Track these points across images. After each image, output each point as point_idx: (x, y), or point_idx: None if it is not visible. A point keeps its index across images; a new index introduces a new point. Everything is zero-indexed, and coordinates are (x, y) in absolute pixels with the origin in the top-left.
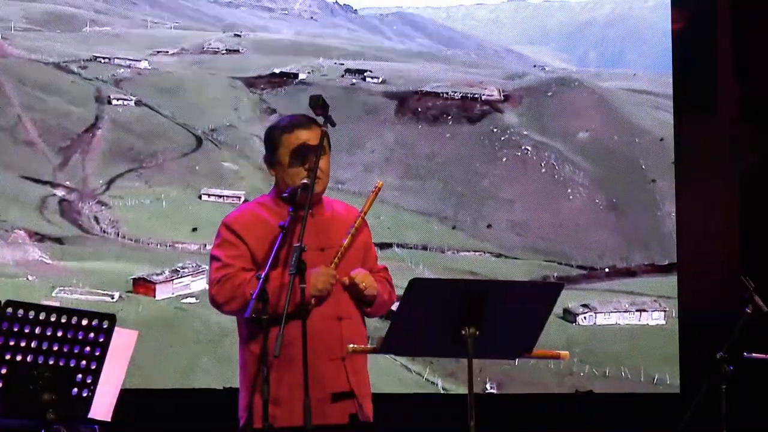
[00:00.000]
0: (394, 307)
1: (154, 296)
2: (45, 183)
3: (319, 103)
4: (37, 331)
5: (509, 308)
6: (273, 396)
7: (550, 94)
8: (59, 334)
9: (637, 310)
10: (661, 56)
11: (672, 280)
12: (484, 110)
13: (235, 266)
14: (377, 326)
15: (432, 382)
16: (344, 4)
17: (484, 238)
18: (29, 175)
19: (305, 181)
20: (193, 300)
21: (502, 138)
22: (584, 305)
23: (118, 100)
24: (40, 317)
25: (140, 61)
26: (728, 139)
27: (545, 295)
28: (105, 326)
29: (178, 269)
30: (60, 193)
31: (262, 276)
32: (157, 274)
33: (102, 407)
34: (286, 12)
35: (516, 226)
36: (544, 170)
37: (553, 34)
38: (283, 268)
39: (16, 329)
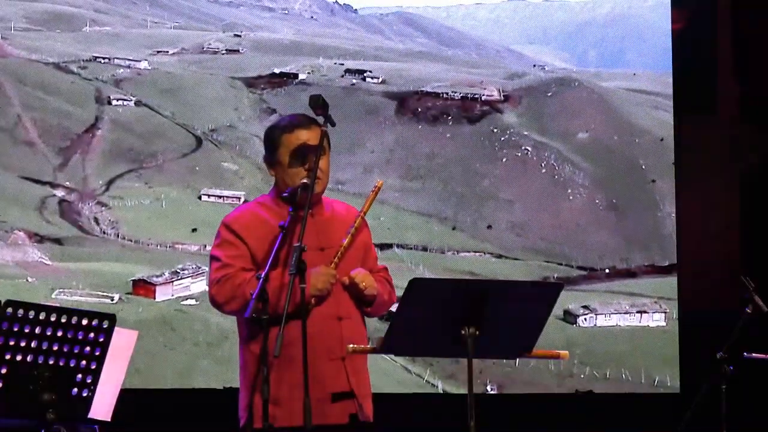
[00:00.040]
0: (394, 308)
1: (154, 298)
2: (45, 183)
3: (318, 103)
4: (37, 331)
5: (509, 308)
6: (273, 396)
7: (550, 94)
8: (59, 334)
9: (637, 312)
10: (661, 56)
11: (672, 281)
12: (484, 110)
13: (235, 266)
14: (377, 327)
15: (432, 384)
16: (344, 4)
17: (485, 239)
18: (29, 176)
19: (305, 181)
20: (193, 302)
21: (502, 138)
22: (584, 306)
23: (118, 100)
24: (40, 317)
25: (140, 61)
26: (728, 139)
27: (545, 295)
28: (105, 326)
29: (178, 271)
30: (60, 193)
31: (262, 276)
32: (157, 276)
33: (102, 407)
34: (286, 12)
35: (516, 227)
36: (544, 171)
37: (553, 33)
38: (283, 268)
39: (16, 329)
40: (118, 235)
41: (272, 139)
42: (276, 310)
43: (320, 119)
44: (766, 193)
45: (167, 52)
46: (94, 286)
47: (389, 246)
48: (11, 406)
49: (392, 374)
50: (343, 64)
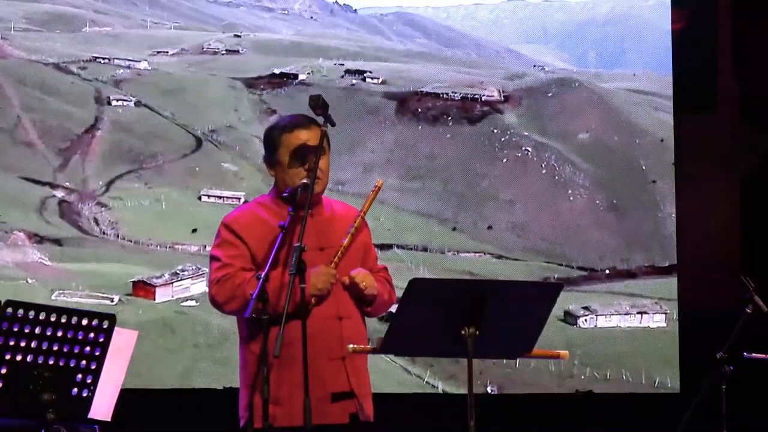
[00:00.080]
0: (393, 308)
1: (154, 299)
2: (45, 184)
3: (318, 103)
4: (37, 331)
5: (509, 308)
6: (273, 396)
7: (550, 94)
8: (59, 334)
9: (638, 313)
10: (661, 56)
11: (672, 281)
12: (484, 111)
13: (235, 266)
14: (377, 328)
15: (432, 385)
16: (344, 4)
17: (485, 240)
18: (29, 177)
19: (305, 181)
20: (192, 303)
21: (503, 139)
22: (585, 307)
23: (117, 100)
24: (40, 317)
25: (140, 61)
26: (728, 139)
27: (545, 295)
28: (105, 326)
29: (178, 272)
30: (60, 194)
31: (262, 276)
32: (157, 277)
33: (102, 407)
34: (286, 12)
35: (516, 228)
36: (544, 171)
37: (553, 33)
38: (283, 268)
39: (16, 329)
40: (118, 236)
41: (272, 139)
42: (276, 310)
43: (320, 119)
44: (766, 193)
45: (167, 52)
46: (94, 287)
47: (389, 246)
48: (11, 406)
49: (392, 375)
50: (343, 65)
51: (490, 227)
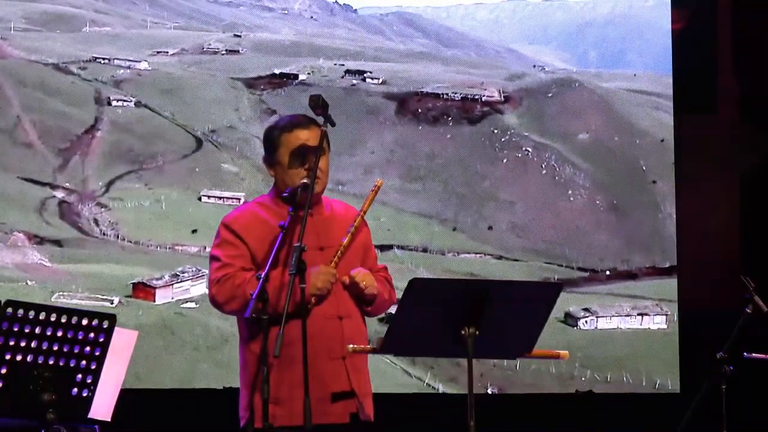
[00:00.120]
0: (393, 308)
1: (154, 301)
2: (44, 185)
3: (318, 103)
4: (37, 331)
5: (509, 308)
6: (273, 395)
7: (550, 95)
8: (59, 334)
9: (638, 314)
10: (661, 56)
11: (673, 283)
12: (484, 111)
13: (235, 266)
14: (377, 329)
15: (433, 387)
16: (344, 4)
17: (485, 240)
18: (28, 177)
19: (305, 181)
20: (192, 305)
21: (503, 139)
22: (585, 309)
23: (117, 101)
24: (40, 317)
25: (140, 62)
26: (728, 139)
27: (545, 295)
28: (105, 326)
29: (178, 273)
30: (59, 194)
31: (262, 276)
32: (157, 279)
33: (102, 407)
34: (286, 12)
35: (516, 228)
36: (544, 172)
37: (553, 33)
38: (283, 267)
39: (16, 329)
40: (118, 237)
41: (272, 139)
42: (276, 310)
43: (320, 119)
44: (766, 193)
45: (167, 52)
46: (94, 288)
47: (389, 247)
48: (11, 406)
49: (393, 377)
50: (343, 65)
51: (490, 228)
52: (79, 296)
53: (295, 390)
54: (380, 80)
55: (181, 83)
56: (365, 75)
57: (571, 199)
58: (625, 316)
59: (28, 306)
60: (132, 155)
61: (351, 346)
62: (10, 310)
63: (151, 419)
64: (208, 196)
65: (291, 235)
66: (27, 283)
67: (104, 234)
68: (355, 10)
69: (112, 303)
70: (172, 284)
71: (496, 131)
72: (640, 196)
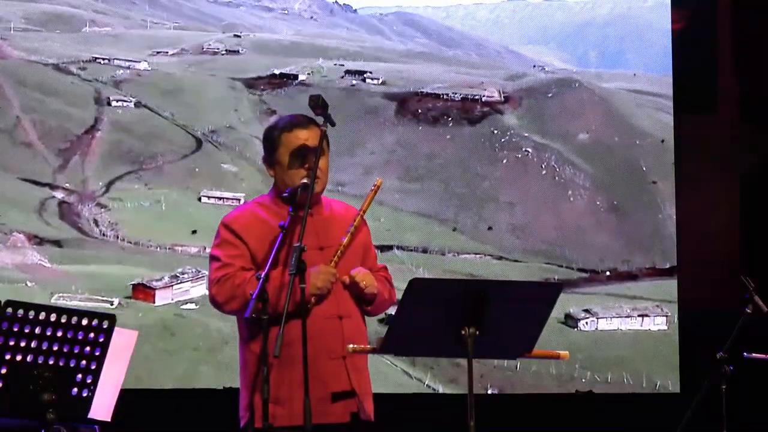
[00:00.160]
0: (393, 308)
1: (154, 302)
2: (44, 185)
3: (318, 103)
4: (37, 331)
5: (509, 308)
6: (274, 395)
7: (550, 95)
8: (59, 334)
9: (639, 315)
10: (661, 56)
11: (673, 284)
12: (484, 112)
13: (235, 266)
14: (377, 330)
15: (433, 389)
16: (344, 4)
17: (485, 241)
18: (28, 177)
19: (305, 181)
20: (192, 306)
21: (503, 140)
22: (586, 310)
23: (117, 101)
24: (40, 317)
25: (140, 62)
26: (728, 139)
27: (545, 295)
28: (105, 326)
29: (178, 275)
30: (59, 195)
31: (262, 276)
32: (157, 280)
33: (102, 407)
34: (286, 12)
35: (516, 229)
36: (544, 172)
37: (553, 34)
38: (283, 267)
39: (16, 329)
40: (117, 237)
41: (271, 139)
42: (276, 310)
43: (320, 119)
44: (766, 193)
45: (167, 52)
46: (94, 290)
47: (389, 248)
48: (11, 406)
49: (393, 378)
50: (343, 65)
51: (490, 228)
52: (79, 297)
53: (295, 390)
54: (380, 80)
55: (181, 83)
56: (365, 75)
57: (571, 199)
58: (626, 317)
59: (28, 306)
60: (132, 155)
61: (351, 346)
62: (10, 310)
63: (151, 419)
64: (208, 197)
65: (291, 235)
66: (27, 285)
67: (104, 234)
68: (355, 10)
69: (111, 304)
70: (172, 286)
71: (496, 132)
72: (641, 197)
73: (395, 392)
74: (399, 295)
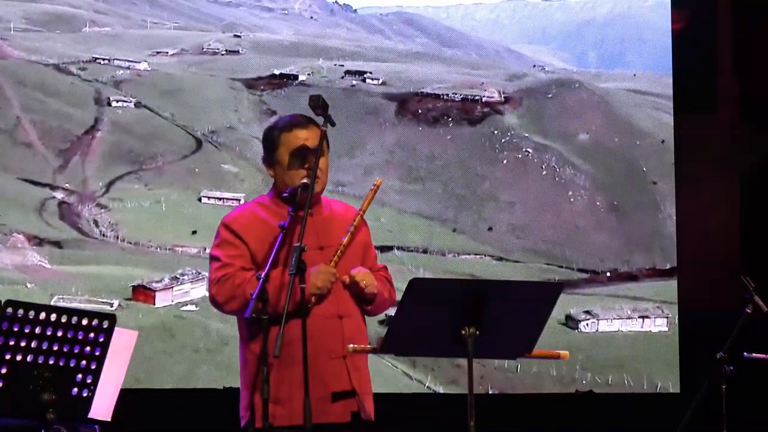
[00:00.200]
0: (393, 308)
1: (154, 304)
2: (44, 185)
3: (318, 103)
4: (37, 331)
5: (509, 308)
6: (274, 395)
7: (550, 95)
8: (59, 334)
9: (639, 317)
10: (661, 56)
11: (674, 284)
12: (484, 112)
13: (235, 266)
14: (378, 331)
15: (433, 390)
16: (344, 4)
17: (485, 241)
18: (28, 178)
19: (305, 180)
20: (192, 307)
21: (503, 140)
22: (586, 311)
23: (117, 101)
24: (40, 317)
25: (140, 62)
26: (728, 139)
27: (545, 295)
28: (105, 326)
29: (178, 276)
30: (59, 195)
31: (262, 276)
32: (157, 282)
33: (102, 407)
34: (286, 12)
35: (517, 229)
36: (544, 172)
37: (553, 33)
38: (283, 267)
39: (16, 329)
40: (117, 238)
41: (271, 139)
42: (276, 310)
43: (320, 119)
44: (766, 193)
45: (167, 53)
46: (94, 291)
47: (389, 248)
48: (11, 406)
49: (393, 380)
50: (342, 65)
51: (490, 229)
52: (79, 299)
53: (295, 390)
54: (380, 81)
55: (181, 84)
56: (365, 75)
57: (572, 200)
58: (626, 318)
59: (28, 306)
60: (132, 156)
61: (351, 345)
62: (10, 310)
63: (151, 419)
64: (208, 197)
65: (291, 235)
66: (26, 286)
67: (104, 235)
68: (355, 10)
69: (111, 306)
70: (172, 287)
71: (496, 132)
72: (641, 197)
73: (396, 392)
74: (399, 296)
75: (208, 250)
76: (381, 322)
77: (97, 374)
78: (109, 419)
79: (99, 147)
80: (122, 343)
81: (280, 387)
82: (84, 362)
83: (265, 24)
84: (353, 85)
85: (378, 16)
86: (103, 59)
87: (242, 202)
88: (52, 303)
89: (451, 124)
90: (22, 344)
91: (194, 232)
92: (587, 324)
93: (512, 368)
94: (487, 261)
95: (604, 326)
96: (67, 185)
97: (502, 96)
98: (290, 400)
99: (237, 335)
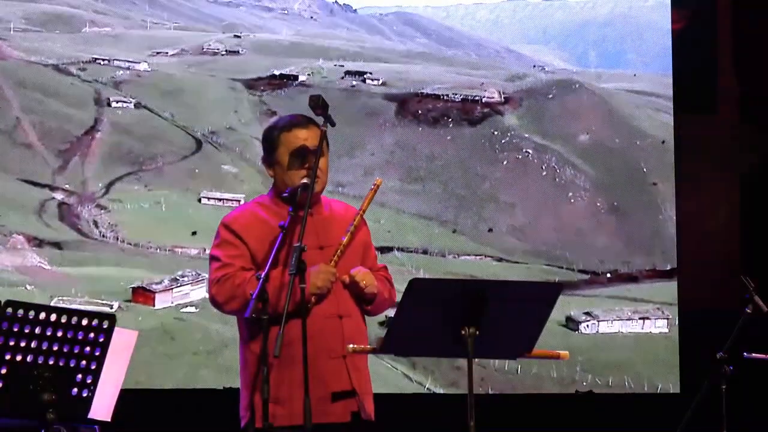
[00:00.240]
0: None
1: (153, 305)
2: (44, 186)
3: (318, 103)
4: (37, 331)
5: (509, 308)
6: (274, 395)
7: (550, 96)
8: (59, 334)
9: (640, 318)
10: (661, 56)
11: (674, 285)
12: (484, 113)
13: (235, 266)
14: (378, 332)
15: (433, 392)
16: (344, 4)
17: (485, 242)
18: (28, 179)
19: (305, 180)
20: (192, 309)
21: (503, 141)
22: (587, 313)
23: (117, 102)
24: (40, 317)
25: (139, 63)
26: (728, 139)
27: (545, 295)
28: (105, 326)
29: (178, 278)
30: (59, 196)
31: (262, 276)
32: (156, 283)
33: (102, 407)
34: (286, 12)
35: (517, 230)
36: (545, 173)
37: (553, 33)
38: (283, 267)
39: (16, 329)
40: (117, 239)
41: (271, 139)
42: (276, 310)
43: (320, 119)
44: (766, 193)
45: (167, 53)
46: (93, 292)
47: (389, 249)
48: (11, 406)
49: (393, 382)
50: (342, 66)
51: (490, 230)
52: (79, 301)
53: (295, 390)
54: (380, 81)
55: (181, 84)
56: (365, 76)
57: (572, 201)
58: (627, 320)
59: (28, 306)
60: (132, 157)
61: (351, 346)
62: (10, 310)
63: (151, 419)
64: (208, 198)
65: (291, 235)
66: (26, 288)
67: (104, 236)
68: (355, 10)
69: (111, 308)
70: (172, 289)
71: (496, 133)
72: (641, 198)
73: (396, 392)
74: (399, 297)
75: (208, 251)
76: (381, 324)
77: (97, 374)
78: (109, 419)
79: (99, 148)
80: (122, 343)
81: (280, 387)
82: (84, 362)
83: (265, 24)
84: (353, 86)
85: (378, 16)
86: (103, 60)
87: (242, 203)
88: (51, 305)
89: (451, 125)
90: (22, 344)
91: (194, 233)
92: (587, 326)
93: (513, 370)
94: (487, 262)
95: (605, 328)
96: (66, 186)
97: (502, 96)
98: (290, 400)
99: (237, 337)
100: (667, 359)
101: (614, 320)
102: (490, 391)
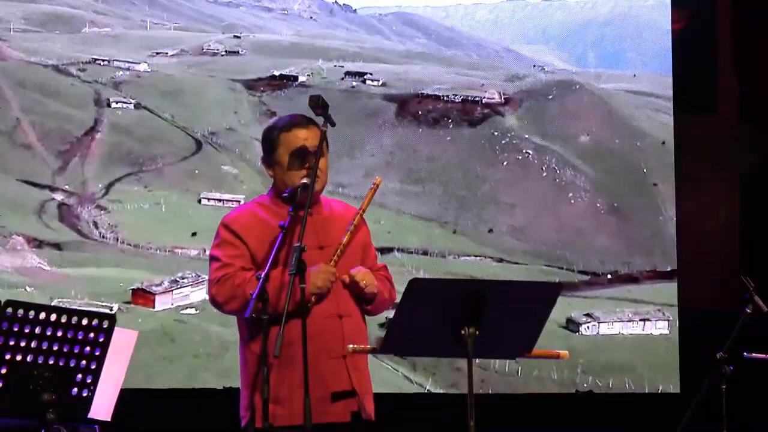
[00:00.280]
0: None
1: (153, 307)
2: (44, 187)
3: (318, 103)
4: (37, 331)
5: (509, 308)
6: (274, 395)
7: (550, 97)
8: (59, 334)
9: (640, 320)
10: (661, 56)
11: (674, 286)
12: (484, 113)
13: (235, 266)
14: (378, 334)
15: (433, 393)
16: (344, 4)
17: (485, 243)
18: (28, 179)
19: (305, 180)
20: (192, 311)
21: (503, 141)
22: (587, 314)
23: (117, 103)
24: (40, 317)
25: (139, 63)
26: (728, 139)
27: (545, 295)
28: (105, 326)
29: (177, 279)
30: (59, 197)
31: (262, 276)
32: (156, 285)
33: (102, 407)
34: (286, 12)
35: (517, 231)
36: (545, 174)
37: (553, 33)
38: (283, 267)
39: (16, 329)
40: (117, 240)
41: (270, 139)
42: (276, 310)
43: (320, 120)
44: (766, 193)
45: (167, 53)
46: (93, 293)
47: (390, 250)
48: (11, 406)
49: (394, 383)
50: (342, 67)
51: (490, 230)
52: (78, 302)
53: (295, 390)
54: (380, 82)
55: (181, 85)
56: (365, 77)
57: (572, 201)
58: (627, 321)
59: (28, 306)
60: (131, 157)
61: (351, 346)
62: (10, 310)
63: (151, 419)
64: (208, 199)
65: (291, 235)
66: (26, 290)
67: (103, 237)
68: (355, 10)
69: (111, 310)
70: (172, 290)
71: (496, 133)
72: (641, 199)
73: (396, 392)
74: (399, 297)
75: (208, 252)
76: (381, 325)
77: (97, 374)
78: (109, 419)
79: (98, 148)
80: (122, 343)
81: (280, 387)
82: (84, 362)
83: (265, 24)
84: (353, 87)
85: (377, 16)
86: (103, 60)
87: (242, 203)
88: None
89: (451, 126)
90: (22, 344)
91: (194, 234)
92: (588, 327)
93: (513, 372)
94: (487, 263)
95: (605, 329)
96: (66, 187)
97: (502, 97)
98: (290, 400)
99: (237, 340)
100: (668, 361)
101: (615, 322)
102: (490, 392)
